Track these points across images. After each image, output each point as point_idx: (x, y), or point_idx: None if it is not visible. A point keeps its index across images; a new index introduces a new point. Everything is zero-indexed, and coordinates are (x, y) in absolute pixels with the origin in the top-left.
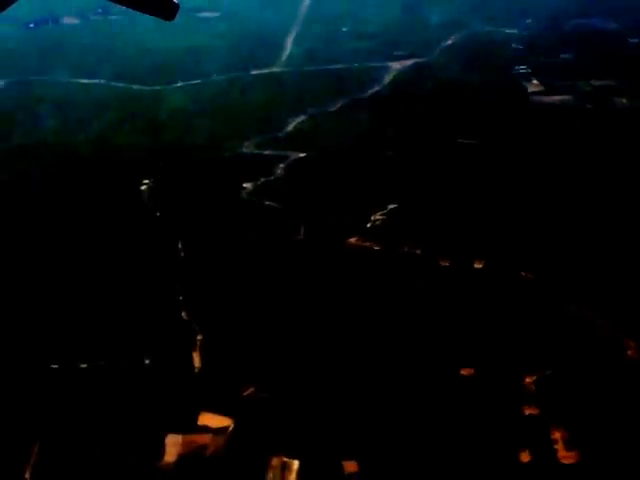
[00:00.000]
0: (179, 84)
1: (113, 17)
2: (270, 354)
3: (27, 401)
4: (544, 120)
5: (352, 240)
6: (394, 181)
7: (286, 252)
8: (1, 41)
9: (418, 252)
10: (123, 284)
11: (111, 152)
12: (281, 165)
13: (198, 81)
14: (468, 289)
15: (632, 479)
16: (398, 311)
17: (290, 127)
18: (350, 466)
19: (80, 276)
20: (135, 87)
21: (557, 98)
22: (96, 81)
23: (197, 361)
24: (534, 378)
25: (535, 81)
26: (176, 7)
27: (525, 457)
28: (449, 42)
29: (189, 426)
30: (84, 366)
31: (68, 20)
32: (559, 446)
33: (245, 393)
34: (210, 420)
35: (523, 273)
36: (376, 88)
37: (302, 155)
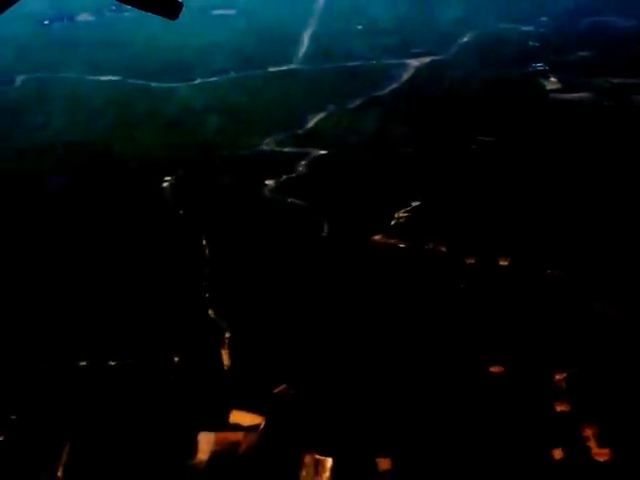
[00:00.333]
0: (197, 81)
1: (127, 14)
2: (299, 351)
3: (58, 399)
4: (564, 117)
5: (377, 237)
6: (416, 178)
7: (311, 249)
8: (17, 38)
9: (443, 249)
10: (149, 282)
11: (131, 149)
12: (302, 162)
13: (216, 78)
14: (495, 286)
15: None
16: (427, 308)
17: (310, 124)
18: (384, 463)
19: (107, 275)
20: (153, 84)
21: (575, 95)
22: (113, 78)
23: (226, 359)
24: (564, 375)
25: (553, 78)
26: (180, 6)
27: (558, 454)
28: (465, 39)
29: (220, 424)
30: (113, 364)
31: (82, 17)
32: (592, 443)
33: (276, 390)
34: (241, 418)
35: (549, 270)
36: (394, 85)
37: (323, 152)
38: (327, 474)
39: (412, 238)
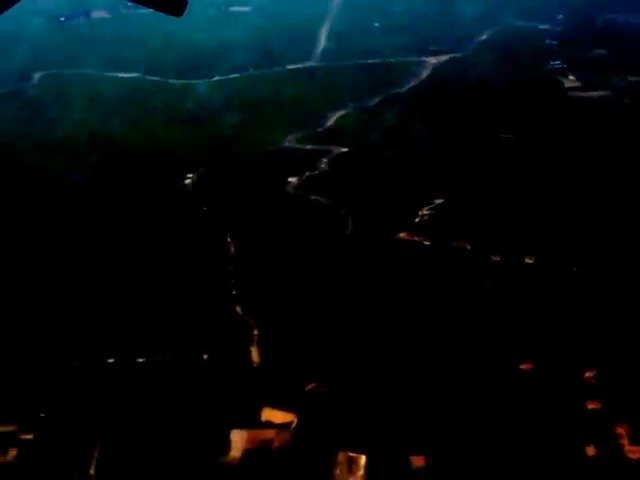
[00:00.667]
0: (216, 78)
1: (143, 11)
2: (328, 348)
3: (87, 396)
4: (585, 115)
5: (402, 235)
6: (438, 176)
7: (336, 246)
8: (33, 35)
9: (468, 247)
10: (176, 279)
11: (151, 146)
12: (324, 159)
13: (236, 75)
14: (521, 284)
15: None
16: (454, 305)
17: (330, 121)
18: (418, 460)
19: (133, 272)
20: (171, 81)
21: (595, 94)
22: (132, 75)
23: (255, 356)
24: (594, 373)
25: (571, 77)
26: (185, 3)
27: (591, 451)
28: (483, 37)
29: (252, 421)
30: (141, 360)
31: (98, 14)
32: (624, 441)
33: (308, 388)
34: (273, 415)
35: (575, 268)
36: (413, 83)
37: (344, 150)
38: (361, 472)
39: (437, 235)
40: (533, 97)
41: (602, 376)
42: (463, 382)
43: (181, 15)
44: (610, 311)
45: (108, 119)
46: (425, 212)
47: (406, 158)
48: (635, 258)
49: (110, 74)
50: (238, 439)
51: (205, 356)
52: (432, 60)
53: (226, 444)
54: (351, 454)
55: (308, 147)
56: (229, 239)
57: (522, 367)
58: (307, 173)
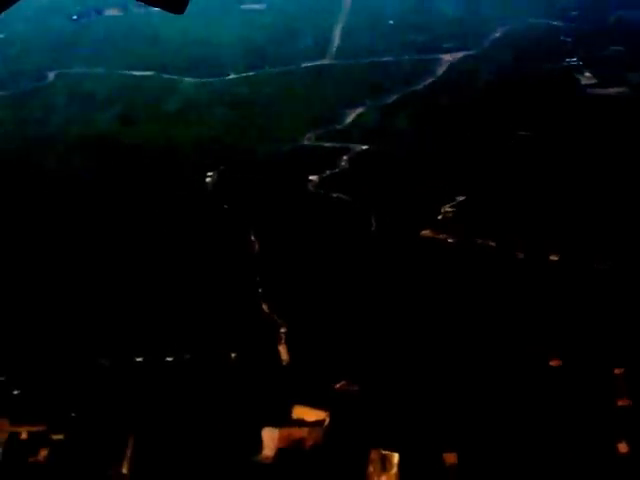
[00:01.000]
0: (231, 76)
1: (155, 9)
2: (356, 345)
3: (117, 395)
4: (603, 112)
5: (425, 232)
6: (458, 173)
7: (361, 244)
8: (47, 34)
9: (492, 244)
10: (202, 277)
11: (170, 145)
12: (344, 157)
13: (251, 73)
14: (547, 281)
15: None
16: (482, 303)
17: (349, 119)
18: (450, 457)
19: (160, 271)
20: (187, 79)
21: (612, 90)
22: (146, 73)
23: (284, 354)
24: (623, 370)
25: (587, 73)
26: (186, 1)
27: (623, 448)
28: (497, 34)
29: (284, 420)
30: (170, 359)
31: (110, 12)
32: None
33: (337, 386)
34: (305, 413)
35: (599, 265)
36: (430, 80)
37: (364, 147)
38: (394, 470)
39: (461, 233)
40: (550, 94)
41: (630, 374)
42: (494, 379)
43: (182, 12)
44: (635, 308)
45: (124, 118)
46: (447, 209)
47: (425, 155)
48: None
49: (124, 72)
50: (270, 438)
51: (233, 355)
52: (447, 57)
53: (259, 443)
54: (384, 452)
55: (327, 145)
56: (253, 237)
57: (552, 364)
58: (327, 171)
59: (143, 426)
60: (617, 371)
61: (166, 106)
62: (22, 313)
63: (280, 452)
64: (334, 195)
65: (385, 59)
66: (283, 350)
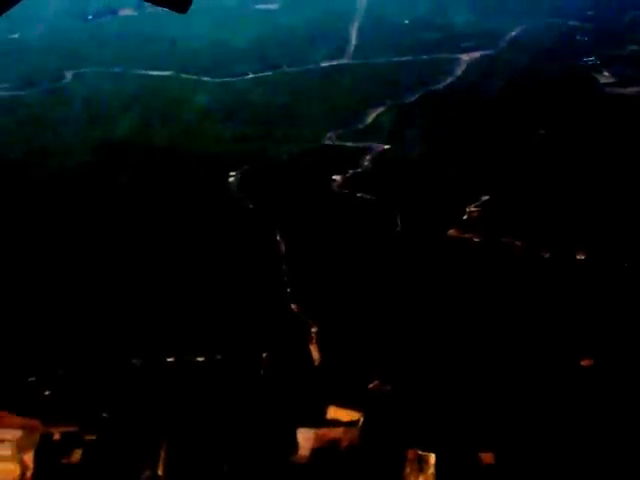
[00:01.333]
0: (250, 76)
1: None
2: (387, 345)
3: (149, 396)
4: (624, 111)
5: (451, 232)
6: (482, 172)
7: (388, 243)
8: (62, 34)
9: (518, 244)
10: (230, 277)
11: (192, 145)
12: (367, 157)
13: (269, 73)
14: (575, 280)
15: None
16: (512, 302)
17: (369, 119)
18: (487, 457)
19: (188, 270)
20: (205, 79)
21: (632, 90)
22: (165, 73)
23: (315, 354)
24: None
25: (606, 72)
26: (189, 0)
27: None
28: (513, 34)
29: (318, 420)
30: (201, 360)
31: (125, 12)
32: None
33: (371, 386)
34: (339, 414)
35: (627, 264)
36: (449, 80)
37: (386, 147)
38: (431, 470)
39: (487, 232)
40: (570, 93)
41: None
42: (527, 378)
43: (185, 12)
44: None
45: (145, 118)
46: (472, 209)
47: (448, 155)
48: None
49: (142, 72)
50: (306, 438)
51: (264, 354)
52: (465, 57)
53: (294, 443)
54: (420, 452)
55: (349, 144)
56: (279, 237)
57: (583, 363)
58: (350, 171)
59: (177, 427)
60: None
61: (187, 106)
62: (53, 313)
63: (316, 452)
64: (358, 195)
65: (403, 58)
66: (314, 350)
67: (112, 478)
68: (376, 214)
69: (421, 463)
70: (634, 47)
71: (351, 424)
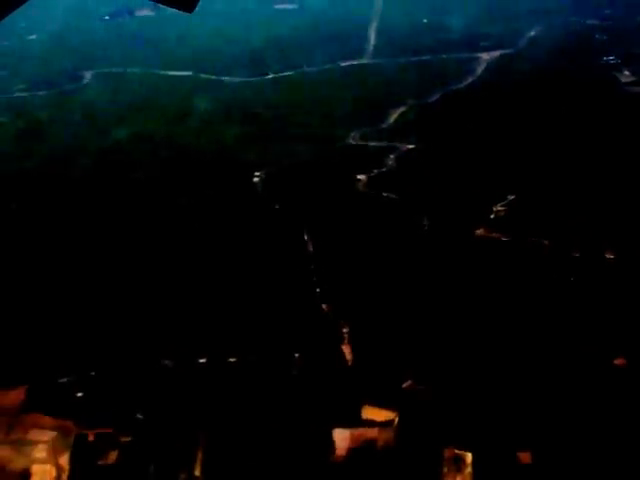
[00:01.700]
0: (270, 76)
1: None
2: (419, 344)
3: (183, 396)
4: None
5: (479, 231)
6: (507, 171)
7: (416, 242)
8: (79, 34)
9: (546, 243)
10: (259, 278)
11: (214, 145)
12: (391, 156)
13: (289, 73)
14: (604, 279)
15: None
16: (543, 302)
17: (392, 118)
18: (524, 457)
19: (217, 271)
20: (225, 79)
21: None
22: (184, 73)
23: (348, 354)
24: None
25: (626, 72)
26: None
27: None
28: (532, 33)
29: (353, 420)
30: (233, 360)
31: (142, 12)
32: None
33: (404, 385)
34: (374, 414)
35: None
36: (470, 79)
37: (410, 146)
38: (468, 469)
39: (514, 231)
40: (591, 93)
41: None
42: (562, 378)
43: (192, 11)
44: None
45: (165, 118)
46: (499, 208)
47: (472, 154)
48: None
49: (162, 72)
50: (342, 438)
51: (297, 355)
52: (485, 56)
53: (330, 444)
54: (457, 451)
55: (373, 144)
56: (306, 237)
57: (616, 362)
58: (375, 170)
59: (213, 427)
60: None
61: (207, 105)
62: (84, 314)
63: (353, 452)
64: (384, 194)
65: (423, 58)
66: (347, 350)
67: (149, 479)
68: (402, 214)
69: (458, 462)
70: None
71: (386, 424)
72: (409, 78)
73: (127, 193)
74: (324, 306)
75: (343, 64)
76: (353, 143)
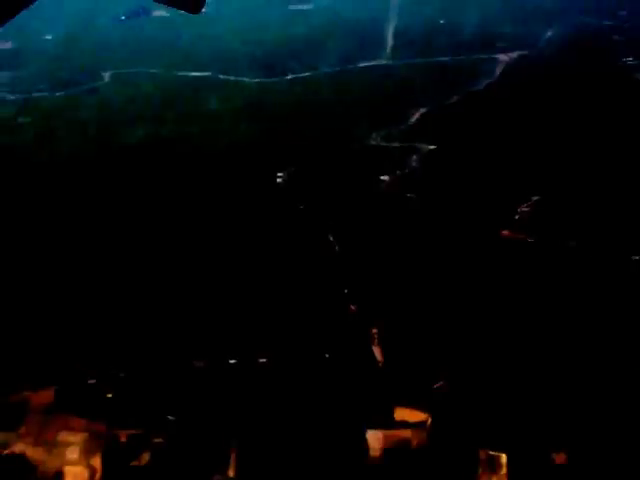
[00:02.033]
0: (289, 77)
1: (202, 10)
2: (450, 345)
3: (215, 398)
4: None
5: (505, 232)
6: (529, 172)
7: (443, 243)
8: (96, 34)
9: (574, 244)
10: (287, 278)
11: (235, 146)
12: (413, 157)
13: (308, 73)
14: (633, 281)
15: None
16: (582, 304)
17: (413, 119)
18: (559, 457)
19: (246, 274)
20: (245, 80)
21: None
22: (203, 74)
23: (378, 355)
24: None
25: None
26: (202, 0)
27: None
28: (548, 34)
29: (386, 421)
30: (263, 361)
31: (158, 13)
32: None
33: (436, 386)
34: (407, 415)
35: None
36: (489, 80)
37: (432, 147)
38: (503, 470)
39: (540, 233)
40: (612, 93)
41: None
42: (597, 378)
43: (198, 12)
44: None
45: (188, 118)
46: (524, 209)
47: (494, 154)
48: None
49: (181, 73)
50: (375, 439)
51: (327, 355)
52: (503, 57)
53: (364, 445)
54: (491, 452)
55: (394, 145)
56: (331, 238)
57: None
58: (398, 171)
59: (246, 428)
60: None
61: (227, 106)
62: (113, 313)
63: (387, 453)
64: (408, 195)
65: (441, 59)
66: (377, 351)
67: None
68: (427, 215)
69: (493, 463)
70: None
71: (419, 425)
72: (428, 79)
73: (151, 193)
74: (352, 306)
75: (361, 65)
76: (374, 144)
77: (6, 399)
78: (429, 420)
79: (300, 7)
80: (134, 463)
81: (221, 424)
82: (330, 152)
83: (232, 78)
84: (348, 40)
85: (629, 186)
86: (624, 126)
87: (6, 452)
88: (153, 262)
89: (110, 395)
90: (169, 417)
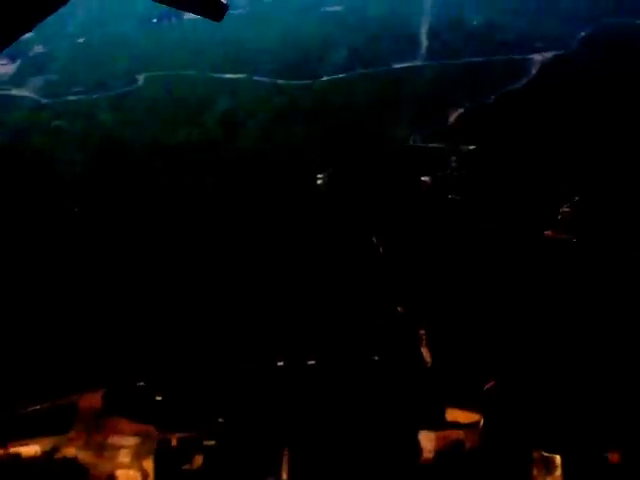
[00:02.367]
0: (324, 78)
1: (233, 12)
2: (497, 344)
3: (264, 400)
4: None
5: (548, 232)
6: (571, 172)
7: (486, 243)
8: (129, 37)
9: (617, 244)
10: (332, 280)
11: (275, 147)
12: (453, 157)
13: (343, 75)
14: None
15: None
16: (621, 304)
17: (451, 119)
18: (613, 457)
19: (293, 277)
20: (280, 81)
21: None
22: (239, 76)
23: (427, 356)
24: None
25: None
26: (225, 8)
27: None
28: (582, 34)
29: (438, 422)
30: (311, 363)
31: (189, 15)
32: None
33: (487, 387)
34: (459, 415)
35: None
36: (525, 80)
37: (471, 147)
38: (558, 471)
39: (582, 232)
40: None
41: None
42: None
43: (220, 20)
44: None
45: (225, 120)
46: (565, 209)
47: (533, 154)
48: None
49: (215, 75)
50: (428, 440)
51: (376, 358)
52: (538, 57)
53: (416, 446)
54: (545, 453)
55: (433, 145)
56: (375, 239)
57: None
58: (438, 172)
59: (298, 431)
60: None
61: (266, 107)
62: (162, 315)
63: (440, 454)
64: (450, 196)
65: (477, 59)
66: (425, 352)
67: None
68: (470, 215)
69: (547, 464)
70: None
71: (471, 425)
72: (463, 80)
73: (196, 196)
74: (399, 308)
75: (396, 66)
76: (414, 145)
77: (54, 403)
78: (481, 421)
79: (334, 8)
80: (186, 467)
81: (273, 426)
82: (368, 153)
83: (267, 80)
84: (380, 41)
85: None
86: None
87: (57, 456)
88: (204, 260)
89: (159, 398)
90: (220, 420)
